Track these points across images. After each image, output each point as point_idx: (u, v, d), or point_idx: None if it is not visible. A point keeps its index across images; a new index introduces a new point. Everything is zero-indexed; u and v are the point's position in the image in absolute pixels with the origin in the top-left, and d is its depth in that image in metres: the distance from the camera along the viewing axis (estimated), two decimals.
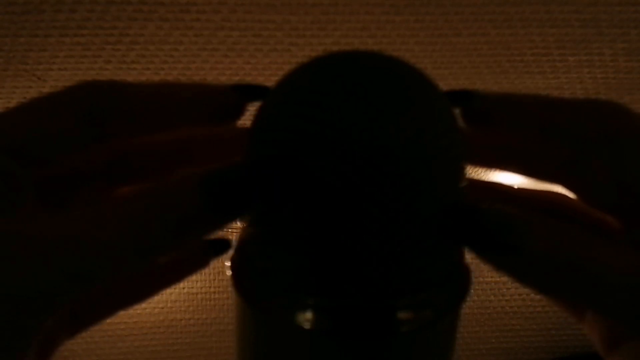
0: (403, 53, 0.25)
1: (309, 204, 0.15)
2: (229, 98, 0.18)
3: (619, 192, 0.17)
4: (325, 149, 0.14)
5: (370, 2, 0.42)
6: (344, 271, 0.15)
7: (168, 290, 0.22)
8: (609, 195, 0.17)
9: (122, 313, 0.21)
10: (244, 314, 0.17)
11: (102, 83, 0.16)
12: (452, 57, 0.45)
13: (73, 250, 0.13)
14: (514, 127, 0.18)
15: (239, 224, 0.17)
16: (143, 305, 0.54)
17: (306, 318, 0.15)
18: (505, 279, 0.57)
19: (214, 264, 0.30)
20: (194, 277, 0.52)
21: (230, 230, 0.20)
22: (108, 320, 0.21)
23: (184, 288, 0.55)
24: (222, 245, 0.23)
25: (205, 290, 0.56)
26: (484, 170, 0.44)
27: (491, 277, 0.58)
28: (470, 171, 0.17)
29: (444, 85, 0.16)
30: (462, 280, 0.17)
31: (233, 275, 0.17)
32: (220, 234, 0.19)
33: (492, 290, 0.58)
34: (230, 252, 0.18)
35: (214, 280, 0.55)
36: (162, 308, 0.56)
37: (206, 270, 0.52)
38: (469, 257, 0.17)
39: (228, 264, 0.18)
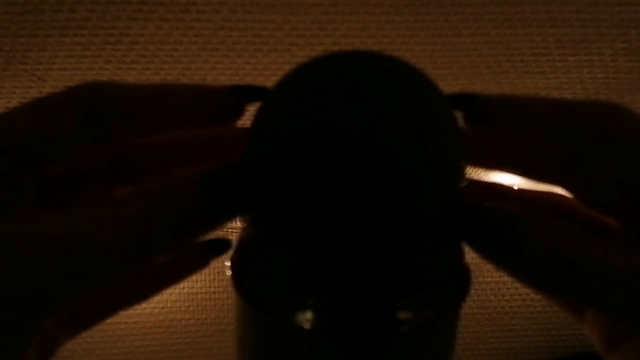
0: (403, 53, 0.25)
1: (309, 204, 0.15)
2: (229, 99, 0.18)
3: (618, 192, 0.17)
4: (325, 149, 0.14)
5: (370, 2, 0.42)
6: (344, 271, 0.15)
7: (168, 290, 0.22)
8: (609, 196, 0.17)
9: (122, 313, 0.21)
10: (244, 314, 0.17)
11: (102, 84, 0.16)
12: (452, 57, 0.45)
13: (73, 250, 0.13)
14: (516, 129, 0.18)
15: (239, 224, 0.17)
16: (143, 305, 0.53)
17: (306, 318, 0.15)
18: (505, 279, 0.57)
19: (214, 264, 0.30)
20: (194, 277, 0.51)
21: (230, 230, 0.20)
22: (108, 320, 0.21)
23: (184, 288, 0.55)
24: (222, 245, 0.23)
25: (205, 290, 0.56)
26: (484, 170, 0.44)
27: (491, 277, 0.58)
28: (470, 171, 0.17)
29: (444, 85, 0.16)
30: (462, 280, 0.17)
31: (233, 275, 0.17)
32: (220, 234, 0.19)
33: (492, 290, 0.58)
34: (230, 252, 0.18)
35: (214, 280, 0.55)
36: (162, 308, 0.56)
37: (206, 270, 0.52)
38: (469, 257, 0.17)
39: (228, 264, 0.18)
